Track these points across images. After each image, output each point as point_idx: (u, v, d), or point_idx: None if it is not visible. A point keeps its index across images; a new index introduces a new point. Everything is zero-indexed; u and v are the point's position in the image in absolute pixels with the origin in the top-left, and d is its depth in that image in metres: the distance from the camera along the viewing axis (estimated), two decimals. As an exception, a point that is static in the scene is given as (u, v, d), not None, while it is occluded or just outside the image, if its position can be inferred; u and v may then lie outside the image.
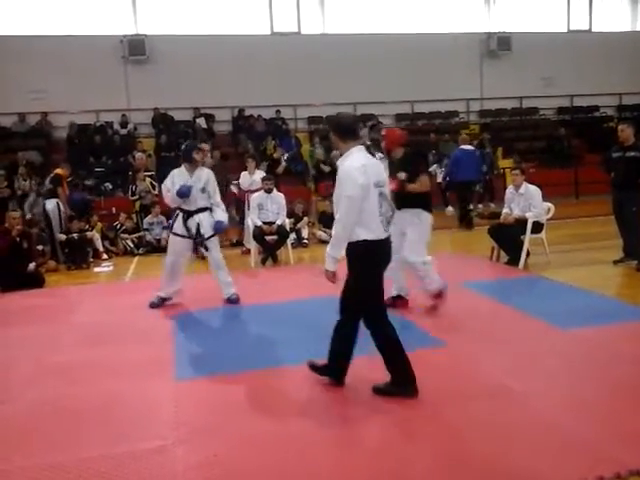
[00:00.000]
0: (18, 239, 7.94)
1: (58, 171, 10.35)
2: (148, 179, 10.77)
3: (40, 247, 9.14)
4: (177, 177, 6.25)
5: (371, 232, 3.72)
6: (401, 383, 3.85)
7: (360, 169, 3.69)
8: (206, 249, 6.29)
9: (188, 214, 6.24)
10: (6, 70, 14.75)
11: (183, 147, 6.55)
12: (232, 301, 6.30)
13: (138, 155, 11.89)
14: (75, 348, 5.21)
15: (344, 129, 3.85)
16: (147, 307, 6.32)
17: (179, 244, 6.27)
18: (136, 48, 15.72)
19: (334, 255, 3.86)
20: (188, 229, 6.21)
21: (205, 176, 6.32)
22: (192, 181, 6.21)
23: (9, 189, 11.42)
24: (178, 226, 6.27)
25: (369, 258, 3.79)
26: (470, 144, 12.09)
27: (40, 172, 12.82)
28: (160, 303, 6.34)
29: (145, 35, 15.86)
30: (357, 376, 4.06)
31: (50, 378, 4.53)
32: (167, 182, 6.30)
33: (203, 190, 6.26)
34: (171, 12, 16.26)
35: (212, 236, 6.27)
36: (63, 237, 9.55)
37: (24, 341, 5.48)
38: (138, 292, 7.24)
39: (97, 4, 15.86)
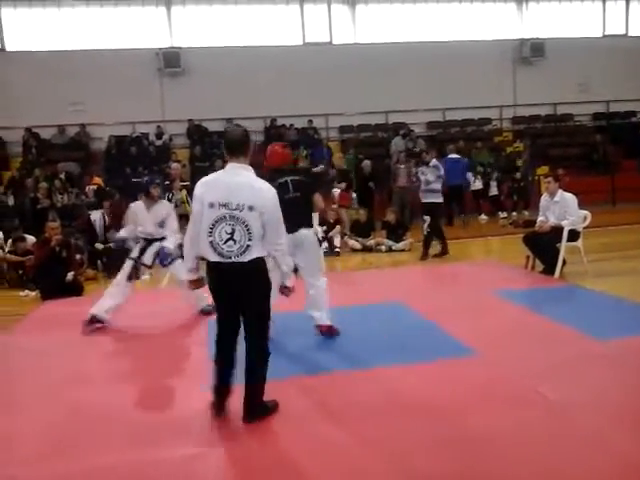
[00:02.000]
0: (58, 248, 8.16)
1: (97, 181, 10.64)
2: (184, 190, 10.95)
3: (78, 256, 9.36)
4: (139, 212, 6.41)
5: (204, 251, 3.64)
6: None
7: (205, 183, 3.68)
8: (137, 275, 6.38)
9: (147, 242, 6.41)
10: (46, 84, 15.17)
11: (144, 182, 6.67)
12: (206, 312, 6.31)
13: (174, 165, 12.06)
14: (111, 354, 5.32)
15: (227, 145, 3.75)
16: (183, 314, 6.42)
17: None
18: (171, 61, 16.04)
19: (185, 267, 3.95)
20: (143, 253, 6.36)
21: (164, 210, 6.47)
22: (149, 216, 6.37)
23: (49, 199, 11.72)
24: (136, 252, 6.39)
25: (209, 278, 3.72)
26: (457, 153, 13.27)
27: (78, 183, 13.17)
28: None
29: (180, 48, 16.18)
30: (381, 389, 4.06)
31: (85, 384, 4.63)
32: (129, 218, 6.49)
33: (161, 225, 6.41)
34: (205, 25, 16.57)
35: (171, 261, 6.36)
36: (101, 246, 9.77)
37: (62, 348, 5.61)
38: (173, 299, 7.36)
39: (133, 18, 16.27)
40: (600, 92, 17.77)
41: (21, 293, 8.47)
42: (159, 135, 16.02)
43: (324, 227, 10.11)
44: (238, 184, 3.59)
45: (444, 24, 17.74)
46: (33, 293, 8.31)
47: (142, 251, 6.37)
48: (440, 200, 9.38)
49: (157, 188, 6.47)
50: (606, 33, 18.76)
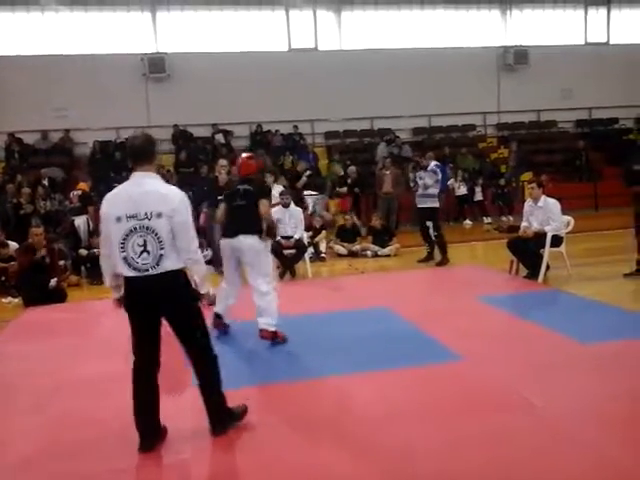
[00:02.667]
0: (41, 255, 8.07)
1: (83, 186, 10.55)
2: None
3: (62, 262, 9.27)
4: None
5: (120, 268, 3.50)
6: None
7: (108, 199, 3.54)
8: None
9: None
10: (29, 88, 15.05)
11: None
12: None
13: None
14: (97, 361, 5.27)
15: (131, 153, 3.62)
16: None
17: None
18: (156, 66, 15.97)
19: (105, 282, 3.77)
20: None
21: None
22: None
23: (32, 205, 11.60)
24: None
25: (125, 294, 3.57)
26: (437, 160, 13.17)
27: (62, 188, 13.06)
28: None
29: (165, 53, 16.12)
30: (366, 394, 4.06)
31: (73, 391, 4.60)
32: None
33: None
34: (190, 30, 16.53)
35: None
36: (85, 252, 9.70)
37: (47, 354, 5.56)
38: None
39: (118, 23, 16.19)
40: (583, 99, 18.00)
41: (4, 300, 8.37)
42: (144, 140, 15.91)
43: (310, 232, 10.11)
44: (144, 193, 3.43)
45: (429, 31, 17.86)
46: (16, 300, 8.22)
47: None
48: (437, 205, 9.30)
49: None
50: (588, 41, 18.99)
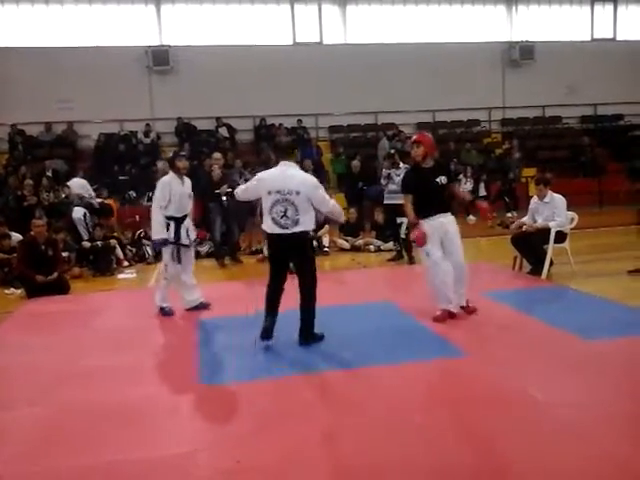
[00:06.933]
0: (43, 247, 8.07)
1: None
2: None
3: (66, 254, 9.27)
4: (174, 185, 6.32)
5: (267, 227, 4.98)
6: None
7: (264, 177, 5.08)
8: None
9: (179, 221, 6.34)
10: (33, 80, 15.07)
11: (170, 157, 6.74)
12: (200, 307, 6.50)
13: (160, 164, 12.05)
14: (100, 353, 5.27)
15: (281, 150, 5.34)
16: (171, 314, 6.39)
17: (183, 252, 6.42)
18: (160, 59, 15.96)
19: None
20: (179, 236, 6.31)
21: (188, 183, 6.51)
22: (184, 189, 6.38)
23: (36, 197, 11.60)
24: (180, 234, 6.33)
25: (268, 245, 5.30)
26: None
27: (66, 180, 13.04)
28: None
29: (169, 46, 16.10)
30: (370, 388, 4.05)
31: (75, 383, 4.59)
32: (164, 191, 6.27)
33: (190, 196, 6.48)
34: (194, 23, 16.50)
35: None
36: (88, 244, 9.70)
37: (49, 346, 5.57)
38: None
39: (122, 16, 16.16)
40: (588, 95, 17.92)
41: (6, 291, 8.38)
42: (147, 133, 15.92)
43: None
44: (288, 176, 4.95)
45: (434, 26, 17.80)
46: (18, 291, 8.22)
47: (175, 232, 6.27)
48: None
49: (183, 160, 6.44)
50: (594, 37, 18.91)
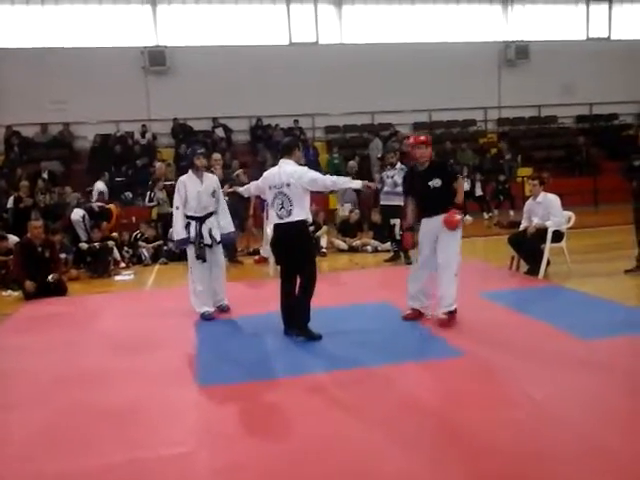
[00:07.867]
0: (40, 249, 8.05)
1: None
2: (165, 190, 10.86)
3: (63, 255, 9.25)
4: (190, 184, 6.19)
5: (272, 219, 5.42)
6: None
7: (263, 176, 5.58)
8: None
9: (201, 220, 6.21)
10: (28, 81, 15.03)
11: (188, 154, 6.59)
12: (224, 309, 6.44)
13: (157, 165, 12.04)
14: (98, 355, 5.27)
15: (281, 149, 5.49)
16: (169, 315, 6.38)
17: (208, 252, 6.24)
18: (156, 59, 15.94)
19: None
20: (202, 236, 6.16)
21: (212, 180, 6.37)
22: (203, 188, 6.21)
23: (32, 198, 11.59)
24: (202, 234, 6.19)
25: (272, 236, 5.54)
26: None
27: (62, 182, 13.03)
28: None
29: (165, 46, 16.09)
30: (368, 389, 4.06)
31: (74, 384, 4.59)
32: (179, 191, 6.18)
33: (213, 194, 6.29)
34: (191, 24, 16.49)
35: (220, 242, 6.34)
36: (85, 246, 9.68)
37: (47, 348, 5.56)
38: (160, 300, 7.34)
39: (118, 16, 16.14)
40: (583, 94, 17.98)
41: (4, 293, 8.36)
42: (144, 134, 15.91)
43: (312, 227, 10.09)
44: (282, 172, 5.31)
45: (430, 26, 17.83)
46: (16, 293, 8.20)
47: (198, 232, 6.14)
48: (402, 203, 9.19)
49: (201, 158, 6.28)
50: (590, 36, 18.97)
